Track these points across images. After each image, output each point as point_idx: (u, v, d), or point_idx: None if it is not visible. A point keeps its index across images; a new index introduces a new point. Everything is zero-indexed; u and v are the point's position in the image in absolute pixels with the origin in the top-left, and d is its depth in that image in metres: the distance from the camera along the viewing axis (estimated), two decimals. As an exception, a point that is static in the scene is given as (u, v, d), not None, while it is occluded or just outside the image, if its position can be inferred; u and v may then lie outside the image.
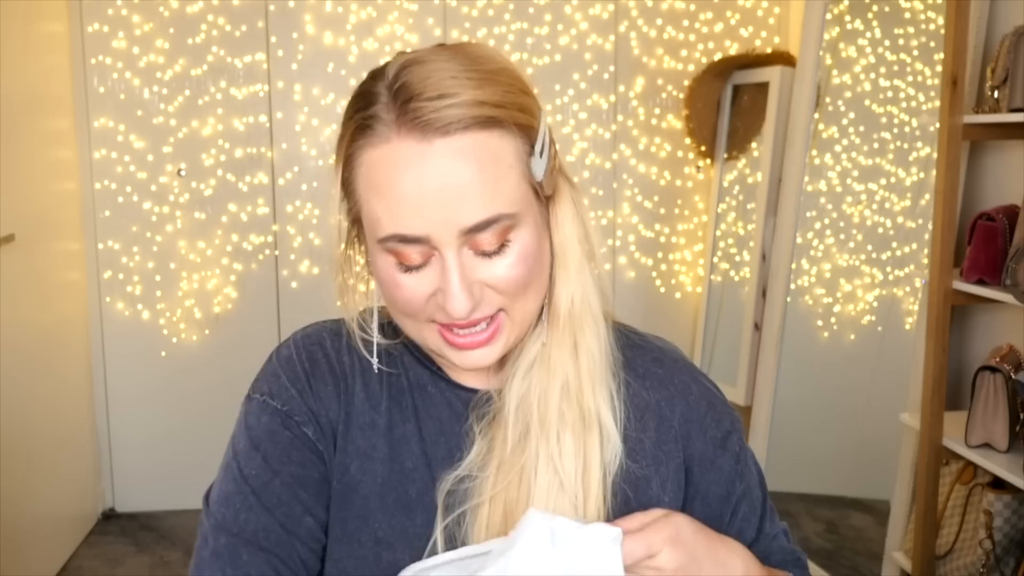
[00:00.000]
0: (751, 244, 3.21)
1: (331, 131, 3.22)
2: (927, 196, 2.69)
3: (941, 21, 2.61)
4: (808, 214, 3.00)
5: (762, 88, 3.20)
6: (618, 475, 0.83)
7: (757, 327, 3.11)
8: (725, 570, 0.77)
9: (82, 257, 3.14)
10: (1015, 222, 2.00)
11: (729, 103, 3.35)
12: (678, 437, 0.87)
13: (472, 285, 0.76)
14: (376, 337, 0.87)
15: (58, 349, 2.95)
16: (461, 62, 0.75)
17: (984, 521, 2.07)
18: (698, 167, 3.44)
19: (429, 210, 0.74)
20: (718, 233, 3.41)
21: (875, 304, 2.94)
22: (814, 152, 2.98)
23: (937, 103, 2.23)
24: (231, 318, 3.23)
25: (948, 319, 2.16)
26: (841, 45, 2.98)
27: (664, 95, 3.38)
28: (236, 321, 3.23)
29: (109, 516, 3.24)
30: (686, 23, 3.35)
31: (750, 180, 3.29)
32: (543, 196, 0.81)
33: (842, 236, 2.98)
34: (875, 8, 2.90)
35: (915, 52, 2.79)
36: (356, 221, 0.84)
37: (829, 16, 2.92)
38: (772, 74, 3.14)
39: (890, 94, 2.87)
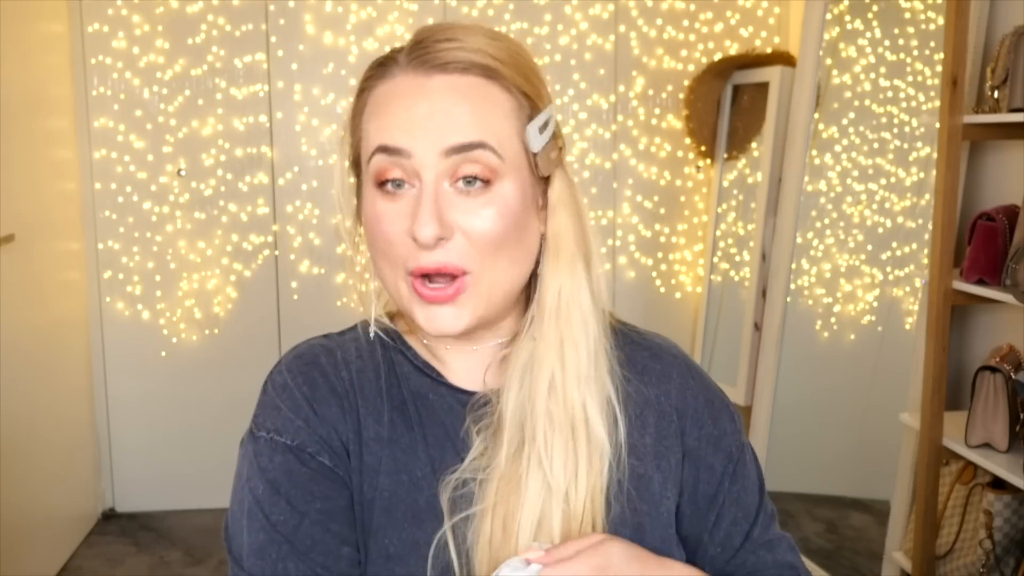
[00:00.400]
0: (751, 244, 3.21)
1: (331, 131, 3.22)
2: (927, 196, 2.68)
3: (941, 21, 2.61)
4: (808, 214, 3.00)
5: (762, 88, 3.20)
6: (622, 474, 0.83)
7: (757, 327, 3.11)
8: None
9: (82, 257, 3.14)
10: (1015, 222, 2.00)
11: (729, 103, 3.35)
12: (676, 432, 0.87)
13: (444, 217, 0.77)
14: (376, 313, 0.87)
15: (58, 349, 2.95)
16: (479, 26, 0.81)
17: (984, 521, 2.07)
18: (698, 167, 3.44)
19: (417, 129, 0.77)
20: (718, 233, 3.41)
21: (875, 304, 2.94)
22: (814, 152, 2.98)
23: (937, 103, 2.23)
24: (231, 318, 3.23)
25: (948, 319, 2.16)
26: (841, 45, 2.98)
27: (664, 95, 3.38)
28: (236, 321, 3.23)
29: (109, 516, 3.24)
30: (686, 23, 3.35)
31: (750, 180, 3.29)
32: (538, 174, 0.82)
33: (842, 236, 2.98)
34: (875, 8, 2.90)
35: (915, 52, 2.79)
36: (356, 164, 0.84)
37: (829, 16, 2.92)
38: (772, 74, 3.14)
39: (890, 94, 2.86)
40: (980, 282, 2.05)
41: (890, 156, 2.86)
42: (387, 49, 0.85)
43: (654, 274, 3.46)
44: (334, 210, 3.27)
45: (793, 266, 2.97)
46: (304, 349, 0.87)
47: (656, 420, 0.86)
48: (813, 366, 3.06)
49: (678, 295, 3.49)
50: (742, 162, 3.34)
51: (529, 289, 0.86)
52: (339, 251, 3.25)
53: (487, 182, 0.78)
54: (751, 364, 3.12)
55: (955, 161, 2.13)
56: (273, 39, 3.16)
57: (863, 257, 2.94)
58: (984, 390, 2.02)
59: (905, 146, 2.81)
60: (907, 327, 2.79)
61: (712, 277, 3.42)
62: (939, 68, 2.42)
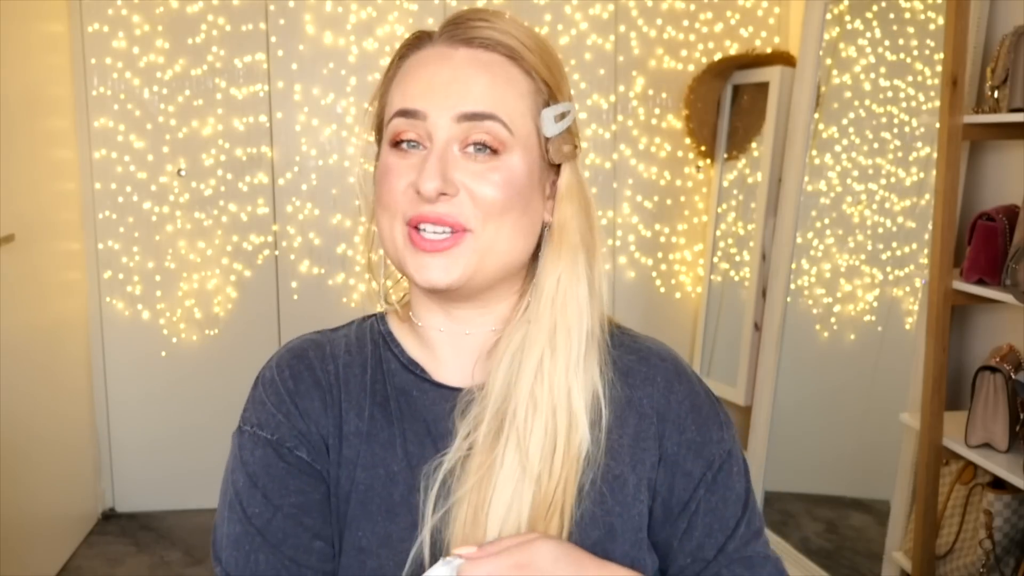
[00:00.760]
0: (751, 244, 3.21)
1: (331, 131, 3.22)
2: (927, 196, 2.68)
3: (941, 21, 2.61)
4: (808, 214, 3.00)
5: (762, 88, 3.20)
6: (596, 473, 0.82)
7: (757, 327, 3.11)
8: None
9: (82, 257, 3.14)
10: (1015, 222, 2.00)
11: (729, 103, 3.35)
12: (656, 435, 0.86)
13: (448, 175, 0.79)
14: (385, 283, 0.90)
15: (58, 349, 2.96)
16: (516, 17, 0.84)
17: (984, 521, 2.07)
18: (698, 167, 3.44)
19: (435, 94, 0.80)
20: (718, 233, 3.41)
21: (875, 304, 2.94)
22: (814, 152, 2.98)
23: (937, 103, 2.23)
24: (231, 318, 3.23)
25: (948, 319, 2.16)
26: (841, 45, 2.98)
27: (664, 95, 3.38)
28: (236, 321, 3.23)
29: (109, 516, 3.24)
30: (686, 23, 3.35)
31: (750, 180, 3.29)
32: (549, 160, 0.84)
33: (842, 236, 2.98)
34: (875, 8, 2.90)
35: (915, 52, 2.79)
36: (379, 130, 0.87)
37: (829, 16, 2.92)
38: (772, 74, 3.14)
39: (890, 94, 2.86)
40: (980, 282, 2.05)
41: (890, 156, 2.85)
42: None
43: (654, 274, 3.46)
44: (334, 210, 3.29)
45: (793, 266, 2.97)
46: (296, 343, 0.89)
47: (636, 422, 0.86)
48: (813, 366, 3.06)
49: (678, 295, 3.49)
50: (742, 162, 3.34)
51: (526, 281, 0.87)
52: (339, 251, 3.25)
53: (495, 151, 0.80)
54: (751, 364, 3.12)
55: (955, 161, 2.13)
56: (273, 39, 3.16)
57: (863, 257, 2.94)
58: (984, 390, 2.02)
59: (905, 146, 2.81)
60: (907, 327, 2.79)
61: (712, 277, 3.42)
62: (939, 68, 2.42)
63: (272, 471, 0.83)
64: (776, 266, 2.99)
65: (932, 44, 2.71)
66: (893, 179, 2.85)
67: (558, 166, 0.86)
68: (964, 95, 2.12)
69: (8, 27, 2.58)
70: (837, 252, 2.99)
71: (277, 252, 3.23)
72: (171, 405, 3.23)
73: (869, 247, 2.92)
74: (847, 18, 2.96)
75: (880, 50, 2.89)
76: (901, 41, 2.83)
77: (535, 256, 0.86)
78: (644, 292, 3.46)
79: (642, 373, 0.88)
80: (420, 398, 0.86)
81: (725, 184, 3.40)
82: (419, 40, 0.85)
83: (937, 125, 2.18)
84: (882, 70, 2.88)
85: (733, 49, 3.38)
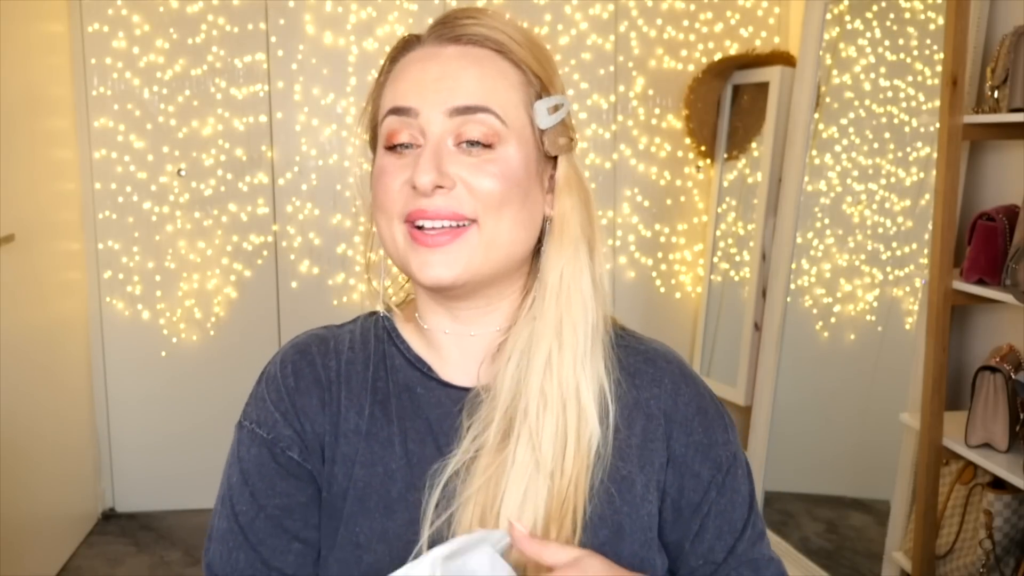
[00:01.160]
0: (751, 244, 3.21)
1: (331, 131, 3.22)
2: (927, 196, 2.68)
3: (941, 21, 2.61)
4: (808, 214, 3.00)
5: (762, 88, 3.20)
6: (605, 473, 0.82)
7: (757, 327, 3.11)
8: None
9: (82, 257, 3.14)
10: (1015, 222, 2.00)
11: (729, 103, 3.35)
12: (663, 436, 0.86)
13: (444, 168, 0.79)
14: (385, 285, 0.90)
15: (58, 349, 2.95)
16: (503, 13, 0.85)
17: (984, 521, 2.07)
18: (698, 167, 3.44)
19: (426, 90, 0.80)
20: (718, 233, 3.41)
21: (875, 304, 2.94)
22: (814, 152, 2.98)
23: (937, 103, 2.23)
24: (231, 318, 3.23)
25: (948, 319, 2.16)
26: (841, 45, 2.98)
27: (664, 95, 3.38)
28: (236, 321, 3.23)
29: (109, 516, 3.24)
30: (686, 23, 3.35)
31: (750, 180, 3.29)
32: (545, 152, 0.84)
33: (842, 236, 2.98)
34: (875, 8, 2.90)
35: (915, 52, 2.79)
36: (373, 135, 0.87)
37: (829, 16, 2.92)
38: (772, 74, 3.14)
39: (890, 94, 2.86)
40: (980, 282, 2.05)
41: (890, 156, 2.85)
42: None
43: (654, 274, 3.46)
44: (334, 210, 3.29)
45: (793, 266, 2.97)
46: (301, 339, 0.90)
47: (643, 423, 0.86)
48: (813, 366, 3.06)
49: (678, 295, 3.49)
50: (742, 162, 3.34)
51: (529, 278, 0.87)
52: (339, 251, 3.25)
53: (489, 146, 0.80)
54: (751, 364, 3.12)
55: (955, 161, 2.13)
56: (273, 39, 3.16)
57: (863, 257, 2.94)
58: (984, 390, 2.02)
59: (905, 146, 2.81)
60: (907, 327, 2.79)
61: (712, 277, 3.42)
62: (939, 68, 2.42)
63: (263, 471, 0.84)
64: (776, 266, 2.99)
65: (930, 43, 2.71)
66: (893, 179, 2.85)
67: (555, 159, 0.86)
68: (964, 95, 2.12)
69: (8, 27, 2.58)
70: (837, 252, 2.99)
71: (277, 252, 3.23)
72: (171, 405, 3.23)
73: (869, 247, 2.92)
74: (847, 18, 2.96)
75: (880, 50, 2.89)
76: (901, 41, 2.83)
77: (537, 252, 0.86)
78: (644, 292, 3.46)
79: (649, 374, 0.88)
80: (425, 396, 0.86)
81: (725, 184, 3.40)
82: (408, 43, 0.85)
83: (937, 125, 2.18)
84: (882, 70, 2.88)
85: (733, 49, 3.38)
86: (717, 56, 3.36)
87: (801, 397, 3.03)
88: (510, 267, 0.83)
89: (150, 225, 3.17)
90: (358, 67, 3.18)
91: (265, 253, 3.23)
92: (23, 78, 2.67)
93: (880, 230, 2.89)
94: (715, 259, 3.42)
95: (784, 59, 3.18)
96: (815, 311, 3.03)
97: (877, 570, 2.55)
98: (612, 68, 3.33)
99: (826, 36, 2.93)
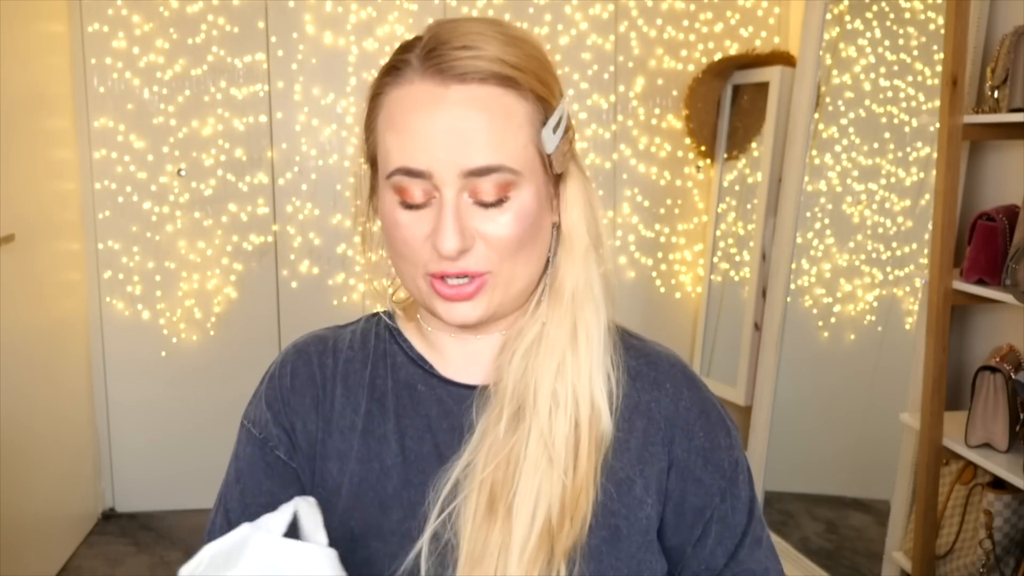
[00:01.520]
0: (751, 244, 3.21)
1: (331, 131, 3.22)
2: (927, 196, 2.68)
3: (941, 21, 2.61)
4: (808, 214, 3.00)
5: (762, 88, 3.20)
6: (603, 474, 0.82)
7: (757, 327, 3.11)
8: None
9: (82, 257, 3.14)
10: (1015, 222, 2.00)
11: (729, 103, 3.35)
12: (664, 440, 0.86)
13: (465, 229, 0.78)
14: (390, 291, 0.90)
15: (58, 349, 2.95)
16: (492, 26, 0.80)
17: (984, 521, 2.07)
18: (698, 167, 3.44)
19: (436, 148, 0.77)
20: (718, 233, 3.41)
21: (875, 304, 2.94)
22: (814, 152, 2.98)
23: (937, 103, 2.23)
24: (231, 318, 3.23)
25: (948, 319, 2.16)
26: (841, 45, 2.98)
27: (664, 95, 3.38)
28: (236, 321, 3.23)
29: (109, 516, 3.24)
30: (686, 23, 3.35)
31: (750, 180, 3.29)
32: (551, 172, 0.83)
33: (842, 236, 2.98)
34: (875, 8, 2.90)
35: (915, 52, 2.79)
36: (373, 162, 0.85)
37: (829, 16, 2.92)
38: (772, 74, 3.14)
39: (890, 94, 2.86)
40: (980, 282, 2.05)
41: (890, 156, 2.85)
42: (387, 49, 0.85)
43: (654, 274, 3.46)
44: (334, 210, 3.29)
45: (793, 266, 2.97)
46: (302, 340, 0.92)
47: (644, 425, 0.85)
48: (813, 366, 3.06)
49: (678, 295, 3.49)
50: (742, 162, 3.34)
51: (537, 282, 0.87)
52: (339, 251, 3.25)
53: (503, 199, 0.79)
54: (751, 364, 3.12)
55: (955, 161, 2.13)
56: (273, 39, 3.16)
57: (863, 257, 2.94)
58: (984, 390, 2.02)
59: (905, 146, 2.81)
60: (907, 327, 2.79)
61: (712, 277, 3.42)
62: (939, 68, 2.42)
63: (254, 469, 0.87)
64: (776, 266, 2.99)
65: (932, 44, 2.71)
66: (893, 179, 2.85)
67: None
68: (964, 95, 2.12)
69: (8, 27, 2.58)
70: (837, 252, 2.99)
71: (277, 252, 3.23)
72: (171, 405, 3.23)
73: (869, 247, 2.92)
74: (847, 18, 2.96)
75: (880, 50, 2.89)
76: (901, 41, 2.83)
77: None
78: (644, 292, 3.46)
79: (650, 377, 0.88)
80: (426, 393, 0.86)
81: (725, 184, 3.40)
82: (399, 70, 0.80)
83: (937, 125, 2.18)
84: (882, 70, 2.88)
85: (733, 49, 3.38)
86: (717, 56, 3.36)
87: (801, 397, 3.03)
88: (528, 293, 0.85)
89: (150, 225, 3.17)
90: (358, 67, 3.18)
91: (265, 253, 3.23)
92: (23, 78, 2.67)
93: (880, 230, 2.89)
94: (715, 259, 3.42)
95: (784, 59, 3.18)
96: (815, 311, 3.03)
97: (877, 570, 2.55)
98: (612, 68, 3.33)
99: (826, 36, 2.93)
